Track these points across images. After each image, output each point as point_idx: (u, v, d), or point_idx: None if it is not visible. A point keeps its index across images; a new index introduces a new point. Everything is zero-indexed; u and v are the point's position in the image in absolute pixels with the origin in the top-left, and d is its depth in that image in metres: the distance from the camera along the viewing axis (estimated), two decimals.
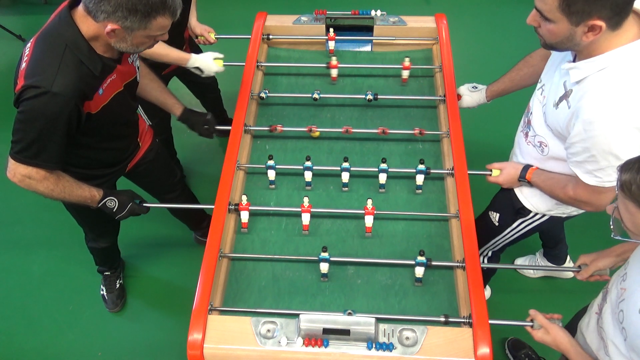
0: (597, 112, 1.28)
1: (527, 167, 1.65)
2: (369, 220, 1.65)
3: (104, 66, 1.50)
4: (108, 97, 1.56)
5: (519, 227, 1.81)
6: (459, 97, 2.00)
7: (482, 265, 1.52)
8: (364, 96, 2.00)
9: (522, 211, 1.75)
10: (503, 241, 1.90)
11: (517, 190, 1.74)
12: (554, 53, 1.55)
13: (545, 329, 1.38)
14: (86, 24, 1.42)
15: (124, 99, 1.66)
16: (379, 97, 1.99)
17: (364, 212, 1.65)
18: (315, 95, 1.99)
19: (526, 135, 1.64)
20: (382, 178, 1.76)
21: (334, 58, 2.09)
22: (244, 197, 1.67)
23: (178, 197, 2.23)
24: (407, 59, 2.05)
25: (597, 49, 1.30)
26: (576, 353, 1.32)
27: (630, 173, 1.03)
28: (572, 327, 1.53)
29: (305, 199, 1.64)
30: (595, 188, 1.40)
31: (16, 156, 1.49)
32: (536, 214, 1.74)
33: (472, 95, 1.99)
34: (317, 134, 1.94)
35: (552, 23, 1.27)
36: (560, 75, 1.45)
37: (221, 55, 2.13)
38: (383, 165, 1.74)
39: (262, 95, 2.03)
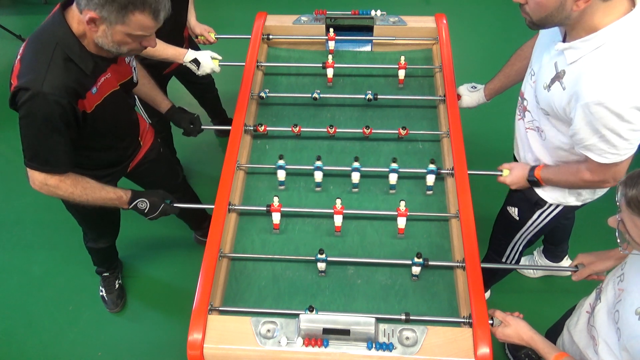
0: (602, 93, 1.26)
1: (534, 167, 1.64)
2: (401, 222, 1.64)
3: (96, 65, 1.48)
4: (102, 96, 1.55)
5: (539, 218, 1.79)
6: (458, 97, 2.00)
7: (482, 265, 1.52)
8: (363, 96, 2.00)
9: (540, 202, 1.73)
10: (528, 234, 1.88)
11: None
12: (540, 36, 1.53)
13: (505, 323, 1.39)
14: (76, 21, 1.41)
15: (120, 98, 1.65)
16: (379, 97, 1.99)
17: (363, 212, 1.65)
18: (315, 95, 1.99)
19: (524, 122, 1.64)
20: (355, 177, 1.76)
21: (330, 56, 2.08)
22: (276, 199, 1.66)
23: (182, 198, 2.23)
24: (402, 58, 2.05)
25: (589, 24, 1.27)
26: (541, 341, 1.33)
27: (636, 189, 1.01)
28: (559, 327, 1.53)
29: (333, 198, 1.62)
30: (612, 164, 1.38)
31: (29, 164, 1.50)
32: (552, 204, 1.73)
33: (471, 95, 1.99)
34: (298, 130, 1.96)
35: None
36: (550, 57, 1.43)
37: (219, 57, 2.12)
38: (355, 164, 1.74)
39: (262, 95, 2.03)
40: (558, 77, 1.38)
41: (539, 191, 1.70)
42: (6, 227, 2.78)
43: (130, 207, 1.70)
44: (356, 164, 1.74)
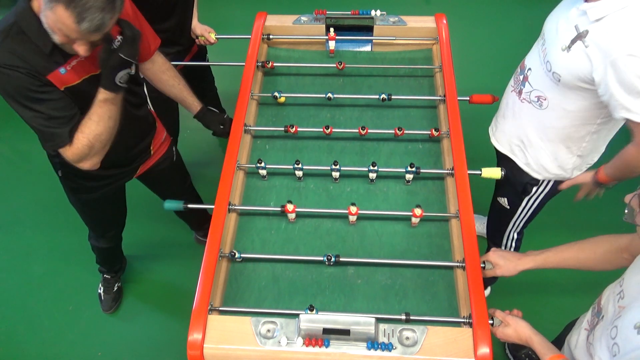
0: (631, 45, 1.29)
1: (596, 172, 1.65)
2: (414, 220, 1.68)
3: (56, 46, 1.39)
4: (78, 79, 1.48)
5: (528, 204, 1.84)
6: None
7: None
8: (363, 96, 2.01)
9: (527, 188, 1.78)
10: (521, 220, 1.92)
11: (522, 164, 1.78)
12: (552, 13, 1.59)
13: (505, 322, 1.39)
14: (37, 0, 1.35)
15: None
16: (381, 97, 1.99)
17: (362, 212, 1.65)
18: (329, 95, 2.01)
19: (520, 92, 1.67)
20: (336, 174, 1.79)
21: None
22: (289, 205, 1.66)
23: (187, 201, 2.22)
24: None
25: None
26: (539, 341, 1.32)
27: None
28: (560, 341, 1.52)
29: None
30: None
31: (44, 147, 1.49)
32: (539, 187, 1.77)
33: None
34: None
35: None
36: (568, 21, 1.47)
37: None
38: (335, 167, 1.76)
39: (276, 95, 2.03)
40: (580, 36, 1.41)
41: (529, 170, 1.76)
42: (6, 228, 2.78)
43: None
44: (336, 167, 1.76)
